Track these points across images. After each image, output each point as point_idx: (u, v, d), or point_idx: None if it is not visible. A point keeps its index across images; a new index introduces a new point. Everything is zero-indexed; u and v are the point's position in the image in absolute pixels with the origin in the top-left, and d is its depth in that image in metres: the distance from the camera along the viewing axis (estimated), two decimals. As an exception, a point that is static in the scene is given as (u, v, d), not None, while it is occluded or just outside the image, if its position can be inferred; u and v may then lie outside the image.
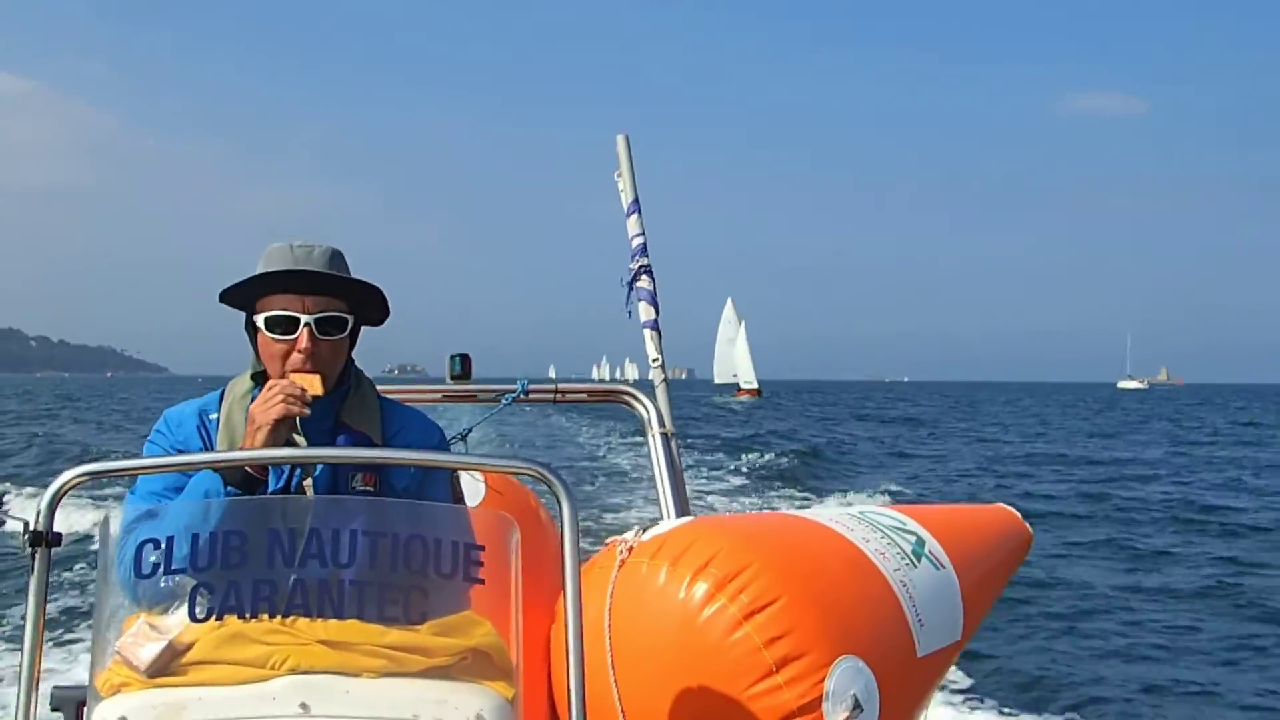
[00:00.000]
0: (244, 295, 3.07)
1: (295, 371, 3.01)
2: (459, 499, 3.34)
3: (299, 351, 3.00)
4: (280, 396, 2.91)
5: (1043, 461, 36.81)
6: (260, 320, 3.03)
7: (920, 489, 26.53)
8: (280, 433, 2.92)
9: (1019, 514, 5.19)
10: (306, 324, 3.01)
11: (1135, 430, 57.96)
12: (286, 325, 3.01)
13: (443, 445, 3.32)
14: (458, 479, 3.32)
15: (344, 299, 3.08)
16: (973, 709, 8.97)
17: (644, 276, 5.56)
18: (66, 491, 2.65)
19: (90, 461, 2.77)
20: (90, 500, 15.49)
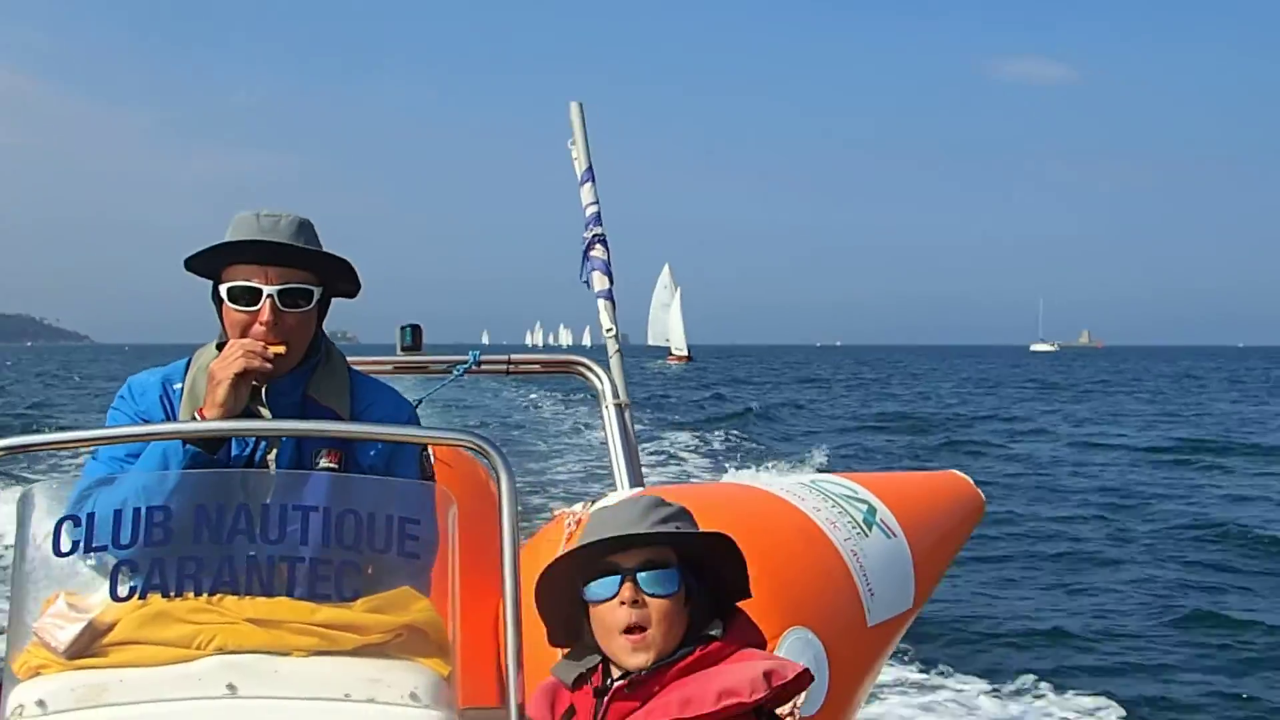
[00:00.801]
0: (208, 264, 2.97)
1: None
2: (429, 476, 3.26)
3: (261, 324, 2.90)
4: (240, 352, 2.83)
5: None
6: (224, 290, 2.94)
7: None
8: (241, 390, 2.84)
9: (971, 480, 5.17)
10: (269, 295, 2.91)
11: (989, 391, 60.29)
12: (249, 297, 2.92)
13: (413, 421, 3.20)
14: (428, 456, 3.25)
15: (311, 270, 2.98)
16: (924, 675, 9.02)
17: (598, 246, 5.51)
18: None
19: (13, 435, 2.68)
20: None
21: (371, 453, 3.03)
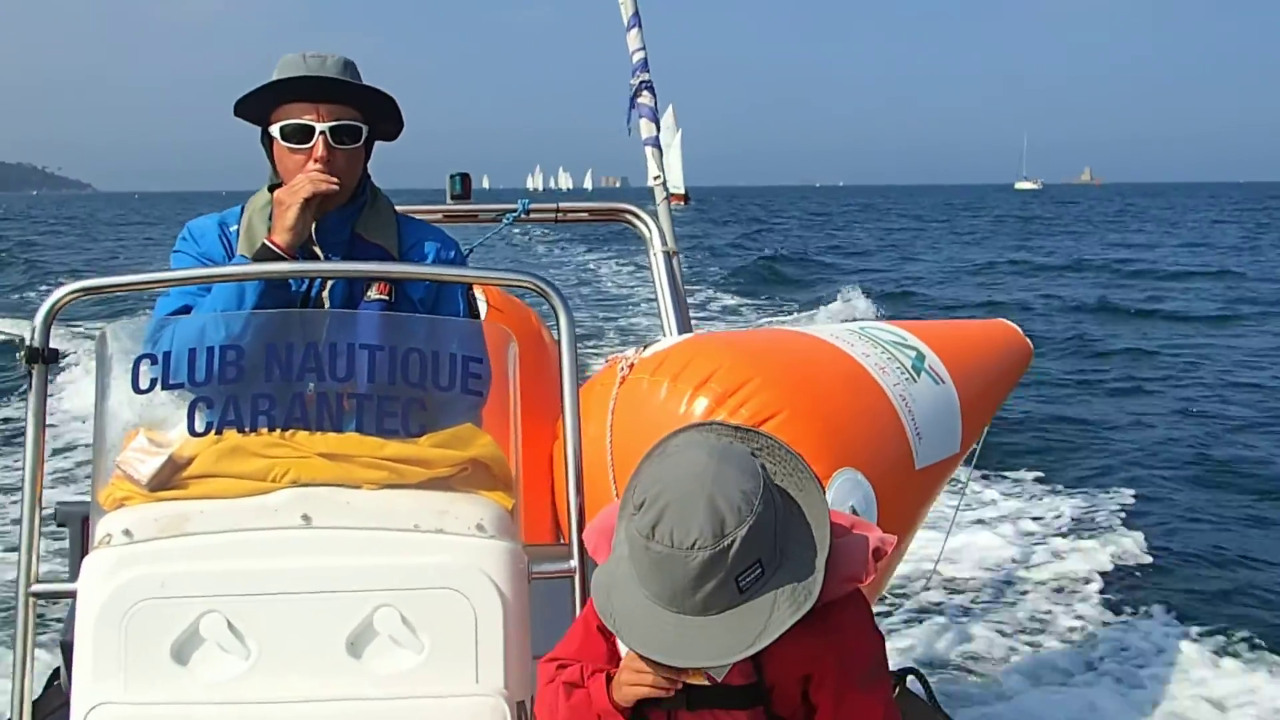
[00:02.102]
0: (258, 107, 3.01)
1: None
2: (475, 315, 3.33)
3: (316, 160, 2.95)
4: (306, 179, 2.89)
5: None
6: (275, 130, 2.98)
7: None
8: (307, 216, 2.91)
9: (1019, 329, 5.19)
10: (322, 132, 2.95)
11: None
12: (302, 134, 2.96)
13: (460, 260, 3.27)
14: (474, 296, 3.30)
15: (358, 109, 3.02)
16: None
17: (644, 93, 5.47)
18: (62, 307, 2.65)
19: (86, 278, 2.76)
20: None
21: (420, 289, 3.09)
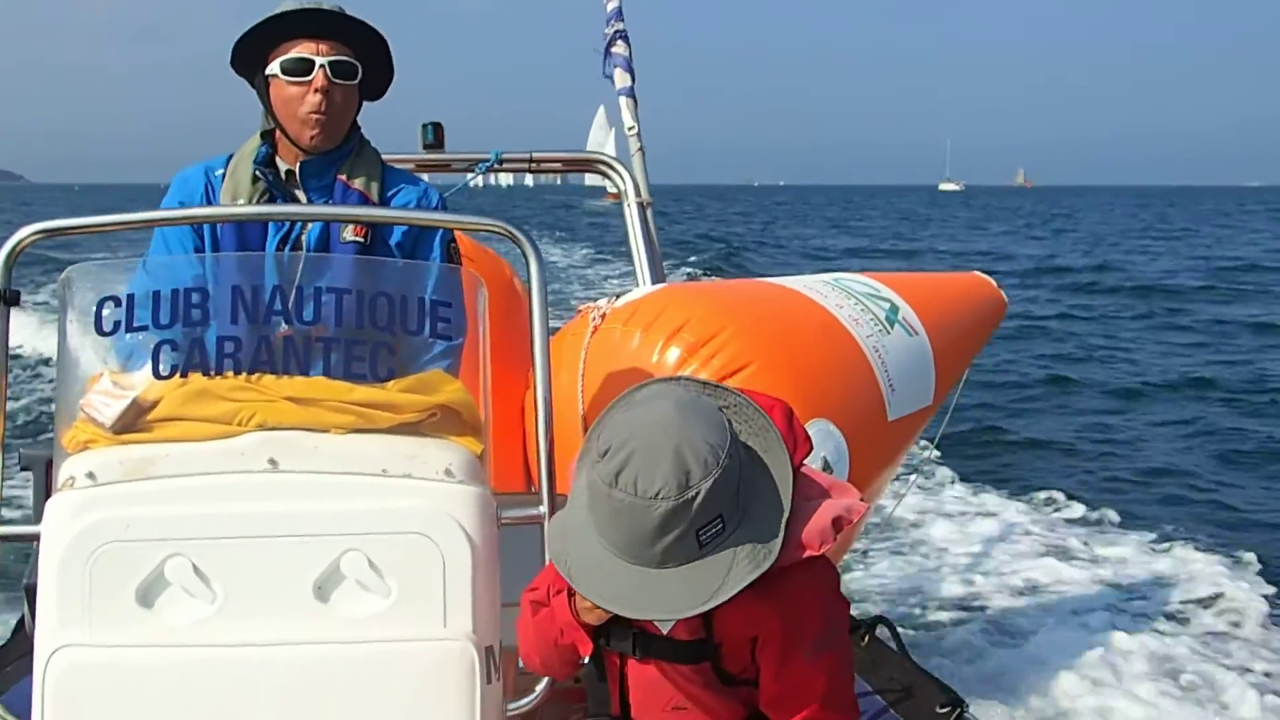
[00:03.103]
0: (256, 50, 3.03)
1: (314, 114, 2.99)
2: (454, 262, 3.32)
3: (316, 90, 2.98)
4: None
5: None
6: (276, 66, 3.00)
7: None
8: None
9: (993, 282, 5.19)
10: (322, 65, 2.98)
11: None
12: (303, 67, 2.98)
13: (442, 208, 3.29)
14: (455, 247, 3.30)
15: (353, 51, 3.05)
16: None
17: (619, 42, 5.42)
18: (23, 248, 2.61)
19: (47, 220, 2.72)
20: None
21: (398, 235, 3.11)
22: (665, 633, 2.25)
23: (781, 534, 2.14)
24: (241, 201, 3.01)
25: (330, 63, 2.98)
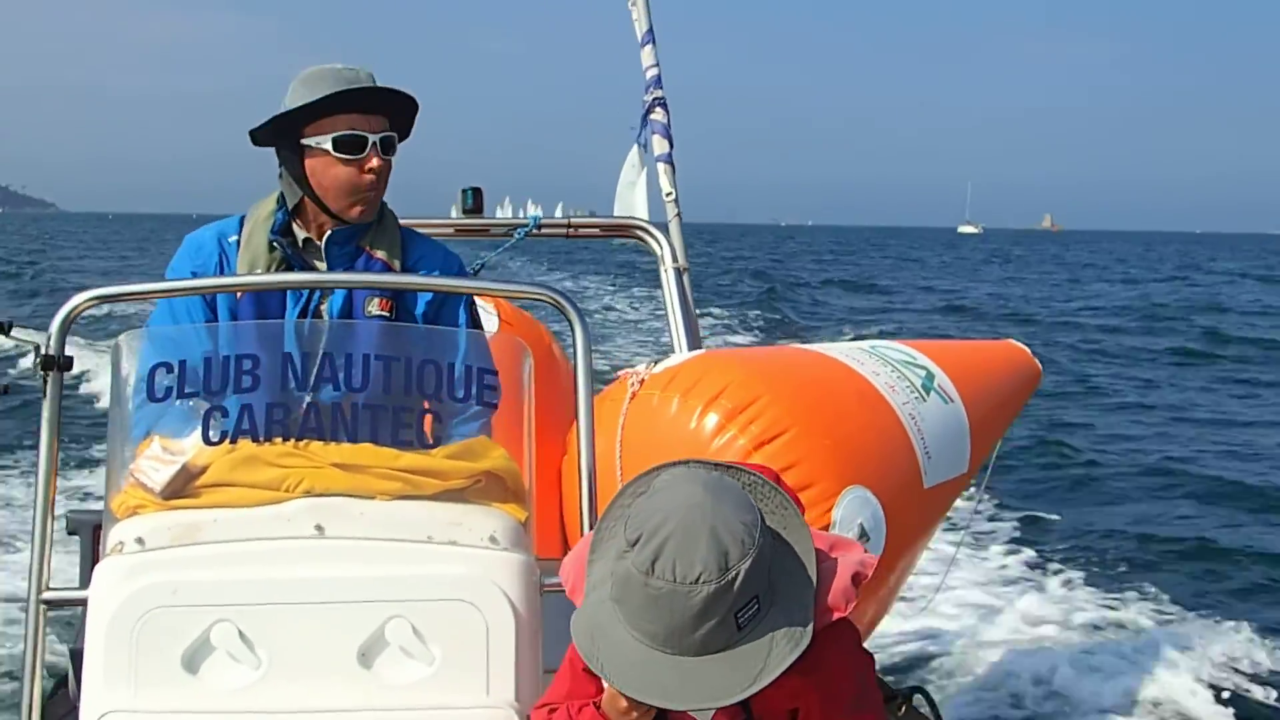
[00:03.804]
0: (291, 121, 2.99)
1: (369, 192, 2.98)
2: (477, 329, 3.33)
3: (369, 172, 2.96)
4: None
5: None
6: (328, 142, 2.95)
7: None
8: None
9: (1028, 350, 5.19)
10: (374, 143, 2.97)
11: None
12: (357, 145, 2.95)
13: (461, 274, 3.28)
14: (475, 309, 3.31)
15: (390, 120, 3.04)
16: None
17: (658, 109, 5.48)
18: (78, 315, 2.65)
19: (100, 286, 2.76)
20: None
21: (422, 304, 3.09)
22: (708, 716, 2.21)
23: (813, 605, 2.11)
24: (260, 270, 2.99)
25: (381, 139, 2.97)
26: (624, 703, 2.15)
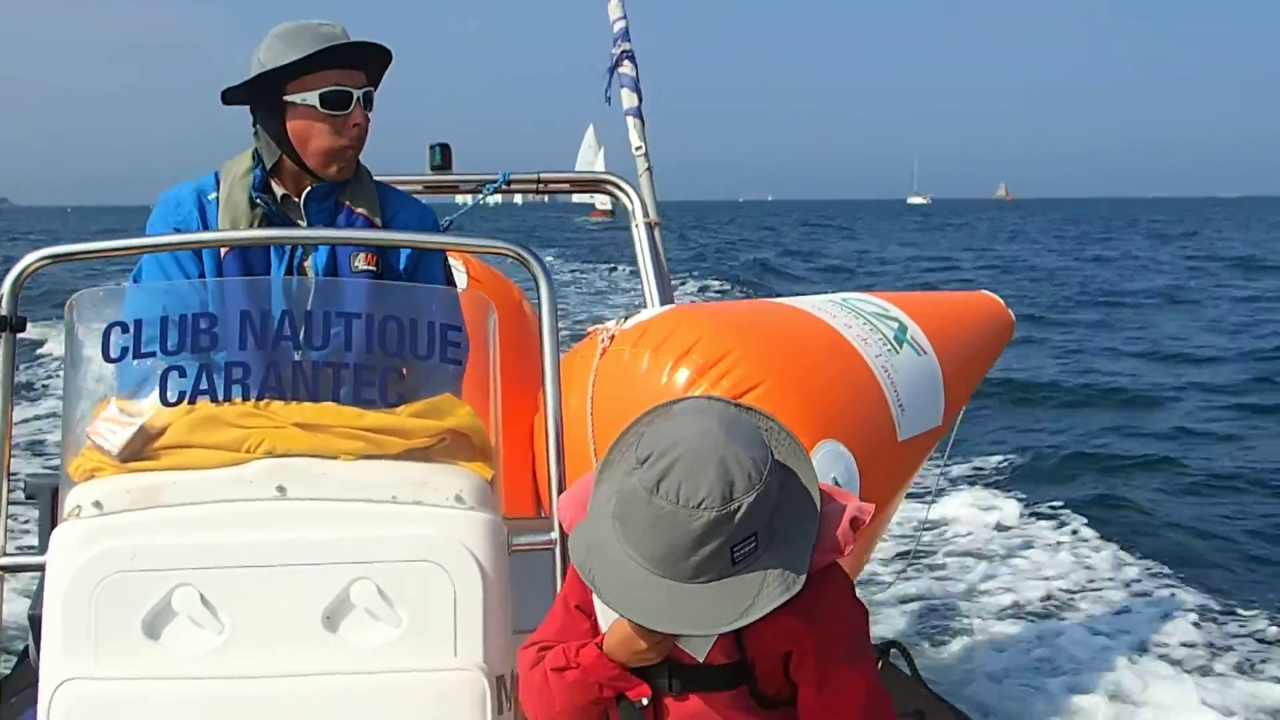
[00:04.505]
0: (274, 78, 2.95)
1: (349, 148, 2.98)
2: (450, 284, 3.30)
3: (354, 126, 2.98)
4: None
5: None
6: (314, 98, 2.93)
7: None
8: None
9: (1001, 301, 5.17)
10: (358, 99, 2.98)
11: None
12: (342, 101, 2.96)
13: (436, 229, 3.30)
14: (449, 267, 3.28)
15: (366, 75, 3.04)
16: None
17: (626, 62, 5.40)
18: (30, 274, 2.59)
19: (54, 245, 2.70)
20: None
21: (403, 259, 3.09)
22: (702, 659, 2.21)
23: (810, 552, 2.11)
24: (243, 227, 2.97)
25: (363, 94, 2.98)
26: (642, 645, 2.15)
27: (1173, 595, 7.12)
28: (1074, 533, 8.44)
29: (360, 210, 3.07)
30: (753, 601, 2.04)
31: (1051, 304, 25.72)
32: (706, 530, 1.98)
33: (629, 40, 5.38)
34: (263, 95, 2.99)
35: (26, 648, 3.59)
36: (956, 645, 6.30)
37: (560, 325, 2.71)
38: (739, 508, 1.99)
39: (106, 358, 2.44)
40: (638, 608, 2.06)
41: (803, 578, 2.08)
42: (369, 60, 3.02)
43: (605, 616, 2.25)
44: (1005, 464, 10.55)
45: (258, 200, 3.00)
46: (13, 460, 2.59)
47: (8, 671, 4.00)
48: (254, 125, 3.06)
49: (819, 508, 2.17)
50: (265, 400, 2.45)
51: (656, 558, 2.03)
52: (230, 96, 3.02)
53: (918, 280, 31.04)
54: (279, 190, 3.05)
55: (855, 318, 4.30)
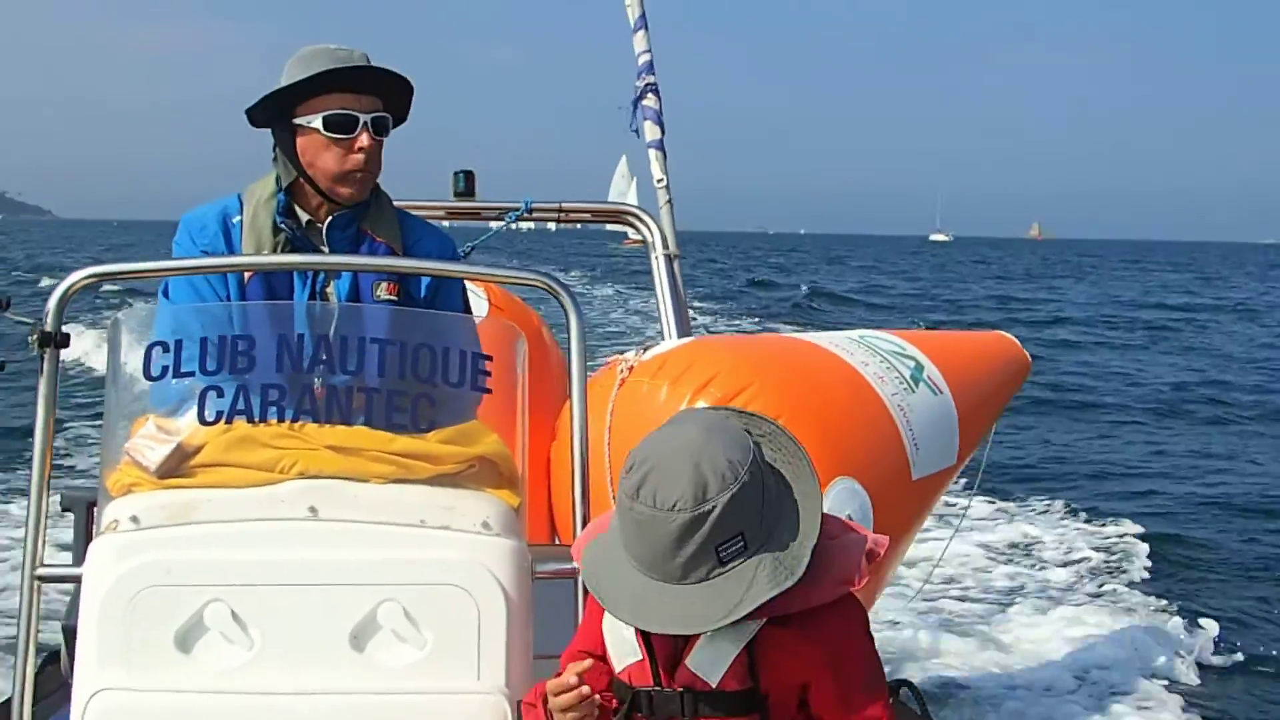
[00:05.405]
0: (283, 100, 2.99)
1: (356, 171, 2.97)
2: (467, 312, 3.34)
3: (360, 150, 2.96)
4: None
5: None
6: (318, 121, 2.95)
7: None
8: None
9: (1017, 341, 5.21)
10: (365, 123, 2.96)
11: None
12: (347, 124, 2.95)
13: (455, 256, 3.32)
14: (466, 293, 3.32)
15: (384, 100, 3.04)
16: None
17: (650, 95, 5.47)
18: (74, 292, 2.65)
19: (99, 265, 2.76)
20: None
21: (423, 287, 3.11)
22: (714, 685, 2.25)
23: (807, 555, 2.15)
24: (266, 252, 2.99)
25: (372, 119, 2.97)
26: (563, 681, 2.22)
27: (1193, 631, 7.12)
28: (1090, 570, 8.46)
29: (382, 239, 3.09)
30: (741, 598, 2.10)
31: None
32: (683, 531, 2.06)
33: (654, 74, 5.45)
34: (276, 117, 3.02)
35: (53, 654, 3.63)
36: (967, 684, 6.31)
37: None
38: (713, 508, 2.06)
39: (148, 376, 2.50)
40: (624, 605, 2.16)
41: (797, 572, 2.13)
42: (384, 86, 3.02)
43: (612, 636, 2.32)
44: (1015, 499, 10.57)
45: (282, 226, 3.03)
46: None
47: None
48: (274, 147, 3.09)
49: (819, 513, 2.22)
50: (299, 422, 2.51)
51: (646, 561, 2.12)
52: (254, 119, 3.06)
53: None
54: (303, 216, 3.07)
55: (872, 355, 4.34)
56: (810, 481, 2.24)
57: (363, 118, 2.96)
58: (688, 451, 2.09)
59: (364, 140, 2.96)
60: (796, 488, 2.23)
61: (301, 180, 3.04)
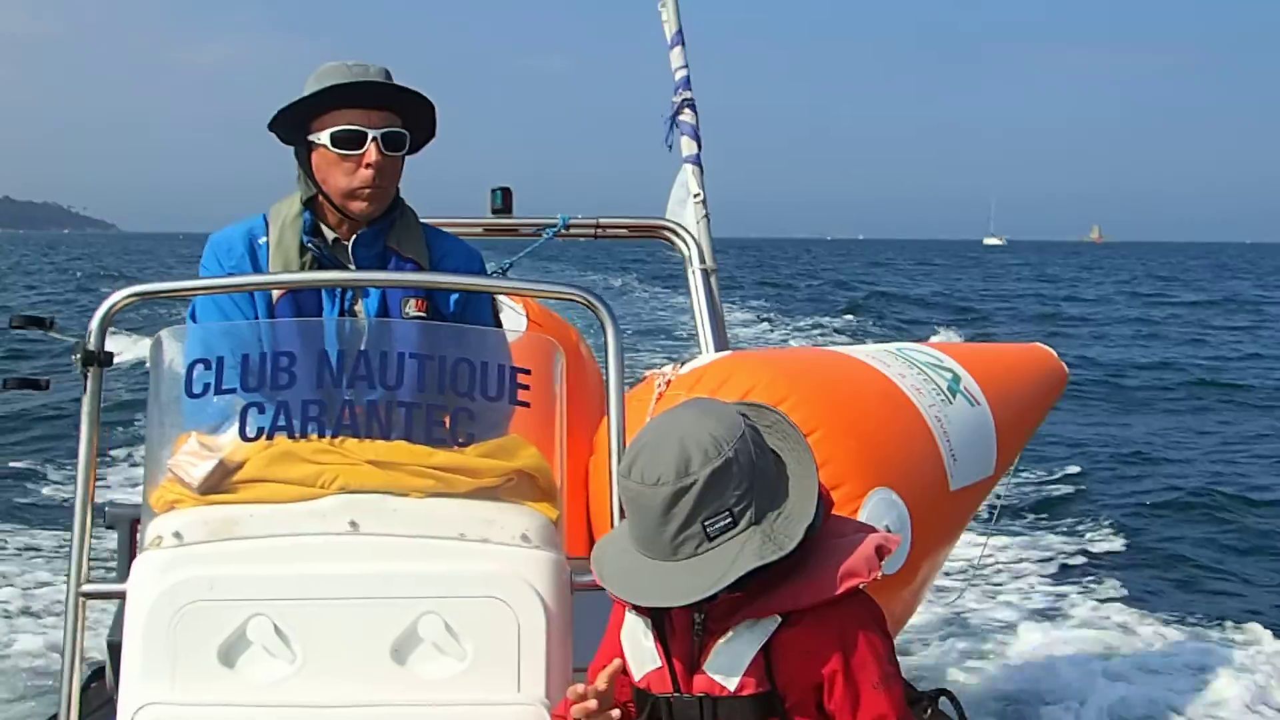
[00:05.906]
0: (300, 117, 3.01)
1: (364, 188, 2.97)
2: (497, 326, 3.35)
3: (368, 166, 2.95)
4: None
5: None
6: (325, 137, 2.96)
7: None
8: None
9: (1055, 353, 5.18)
10: (374, 139, 2.95)
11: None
12: (354, 140, 2.95)
13: (482, 270, 3.31)
14: (498, 307, 3.33)
15: (401, 117, 3.02)
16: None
17: (687, 110, 5.48)
18: (117, 311, 2.69)
19: (140, 283, 2.80)
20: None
21: (451, 303, 3.11)
22: (732, 689, 2.27)
23: (799, 535, 2.20)
24: (294, 271, 3.00)
25: (382, 135, 2.95)
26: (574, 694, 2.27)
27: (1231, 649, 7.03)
28: (1125, 584, 8.37)
29: (409, 255, 3.09)
30: (725, 571, 2.15)
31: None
32: (668, 504, 2.13)
33: (690, 89, 5.47)
34: (296, 133, 3.03)
35: (100, 668, 3.67)
36: (1008, 694, 6.25)
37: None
38: (694, 482, 2.13)
39: (189, 393, 2.54)
40: (625, 587, 2.23)
41: (784, 550, 2.17)
42: (401, 103, 3.01)
43: (631, 645, 2.35)
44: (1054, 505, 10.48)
45: (309, 245, 3.03)
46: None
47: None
48: (297, 164, 3.09)
49: (814, 495, 2.26)
50: (339, 438, 2.54)
51: (641, 539, 2.20)
52: (281, 136, 3.07)
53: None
54: (329, 234, 3.07)
55: (909, 367, 4.33)
56: (809, 465, 2.30)
57: (371, 133, 2.94)
58: (676, 430, 2.18)
59: (372, 155, 2.94)
60: (793, 470, 2.29)
61: (320, 197, 3.04)
